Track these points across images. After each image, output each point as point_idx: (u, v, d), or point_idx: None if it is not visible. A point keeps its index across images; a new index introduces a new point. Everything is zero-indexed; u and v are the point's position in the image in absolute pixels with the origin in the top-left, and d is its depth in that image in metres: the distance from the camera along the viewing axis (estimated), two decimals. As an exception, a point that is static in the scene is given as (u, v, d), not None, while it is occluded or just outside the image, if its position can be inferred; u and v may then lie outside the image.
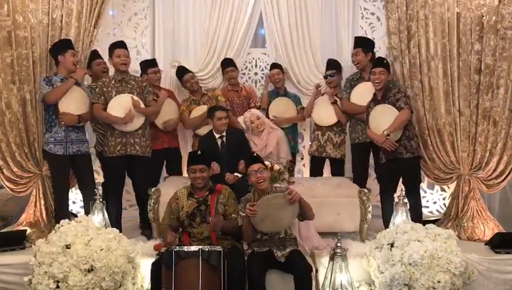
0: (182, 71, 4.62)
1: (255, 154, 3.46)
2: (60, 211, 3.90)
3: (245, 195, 3.46)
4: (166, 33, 4.98)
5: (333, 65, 4.61)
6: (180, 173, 4.63)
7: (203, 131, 4.47)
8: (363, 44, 4.37)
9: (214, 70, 4.90)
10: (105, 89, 3.90)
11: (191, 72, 4.62)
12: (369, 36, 4.91)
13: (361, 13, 4.98)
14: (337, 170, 4.66)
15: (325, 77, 4.62)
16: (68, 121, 3.80)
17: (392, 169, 3.98)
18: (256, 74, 5.19)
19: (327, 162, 4.72)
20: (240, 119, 4.54)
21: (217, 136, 4.07)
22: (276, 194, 3.18)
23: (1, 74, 3.95)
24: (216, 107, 4.17)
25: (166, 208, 3.50)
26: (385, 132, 3.81)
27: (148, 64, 4.48)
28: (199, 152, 3.50)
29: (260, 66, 5.18)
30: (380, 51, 4.77)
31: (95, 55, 4.33)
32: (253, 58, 5.19)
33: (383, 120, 3.85)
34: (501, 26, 3.92)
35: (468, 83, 4.05)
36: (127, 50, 3.99)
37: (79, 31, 4.09)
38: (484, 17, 3.96)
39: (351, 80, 4.49)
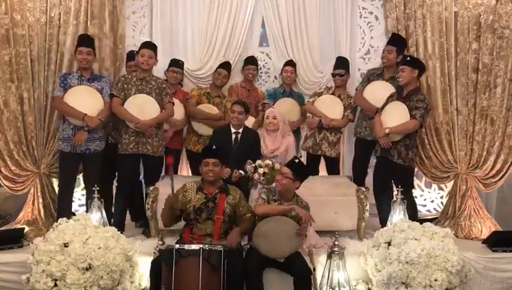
0: (224, 65, 4.65)
1: (297, 160, 3.44)
2: (60, 211, 3.89)
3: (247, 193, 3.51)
4: (164, 32, 4.96)
5: (343, 65, 4.53)
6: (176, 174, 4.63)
7: (201, 130, 4.49)
8: (400, 44, 4.20)
9: (213, 69, 4.88)
10: (126, 86, 3.94)
11: (228, 72, 4.65)
12: (367, 35, 4.92)
13: (360, 12, 4.97)
14: (333, 168, 4.66)
15: (333, 75, 4.53)
16: (81, 141, 3.82)
17: (384, 168, 3.98)
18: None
19: (322, 161, 4.72)
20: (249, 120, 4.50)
21: (233, 130, 4.07)
22: (290, 221, 3.19)
23: (-1, 72, 3.96)
24: (236, 101, 4.22)
25: (174, 194, 3.39)
26: (387, 129, 3.81)
27: (172, 63, 4.51)
28: (213, 146, 3.50)
29: (259, 64, 5.17)
30: (378, 50, 4.77)
31: (130, 56, 4.33)
32: (253, 57, 5.19)
33: (392, 117, 3.84)
34: (498, 25, 3.94)
35: (466, 82, 4.06)
36: (154, 51, 3.99)
37: (77, 30, 4.09)
38: (482, 16, 3.98)
39: (371, 74, 4.42)
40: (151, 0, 4.94)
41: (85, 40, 3.90)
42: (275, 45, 4.98)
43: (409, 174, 4.02)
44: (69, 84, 3.83)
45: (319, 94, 4.59)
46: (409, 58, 3.88)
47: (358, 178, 4.41)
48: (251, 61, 4.80)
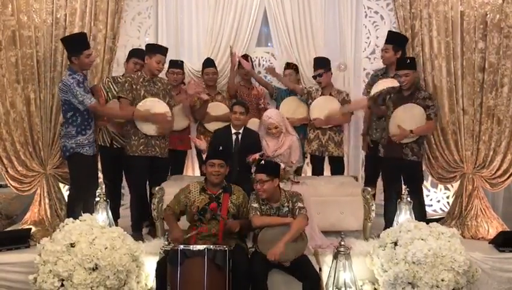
0: (207, 63, 4.66)
1: (262, 162, 3.40)
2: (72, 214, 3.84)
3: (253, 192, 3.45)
4: (169, 32, 4.99)
5: (320, 64, 4.51)
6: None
7: (210, 126, 4.51)
8: (396, 41, 4.21)
9: (218, 70, 4.88)
10: (134, 86, 3.91)
11: (215, 68, 4.68)
12: (372, 35, 4.92)
13: (365, 12, 4.98)
14: (337, 168, 4.65)
15: (314, 78, 4.54)
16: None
17: (395, 167, 3.98)
18: (259, 72, 5.19)
19: (326, 161, 4.71)
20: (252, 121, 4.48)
21: (233, 131, 4.08)
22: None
23: (6, 73, 3.98)
24: (237, 101, 4.21)
25: (175, 197, 3.46)
26: (411, 132, 3.82)
27: (171, 65, 4.47)
28: (220, 148, 3.51)
29: (263, 64, 5.18)
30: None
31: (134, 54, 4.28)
32: (257, 57, 5.18)
33: (408, 118, 3.84)
34: (505, 25, 3.92)
35: (472, 82, 4.04)
36: (166, 56, 4.02)
37: (82, 31, 4.09)
38: (488, 16, 3.96)
39: (376, 75, 4.44)
40: (156, 1, 4.97)
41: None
42: (280, 45, 4.98)
43: (420, 168, 4.08)
44: (85, 87, 3.78)
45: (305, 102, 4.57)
46: (409, 62, 3.88)
47: (372, 179, 4.42)
48: (245, 58, 4.75)
